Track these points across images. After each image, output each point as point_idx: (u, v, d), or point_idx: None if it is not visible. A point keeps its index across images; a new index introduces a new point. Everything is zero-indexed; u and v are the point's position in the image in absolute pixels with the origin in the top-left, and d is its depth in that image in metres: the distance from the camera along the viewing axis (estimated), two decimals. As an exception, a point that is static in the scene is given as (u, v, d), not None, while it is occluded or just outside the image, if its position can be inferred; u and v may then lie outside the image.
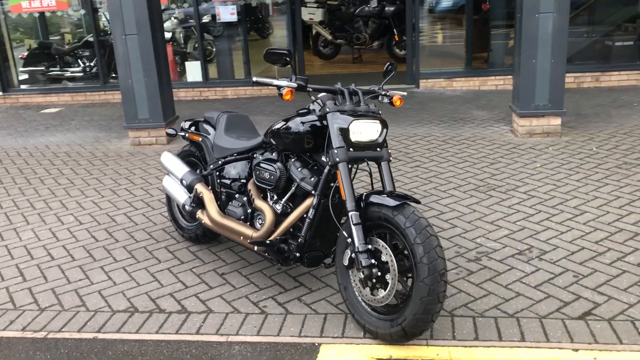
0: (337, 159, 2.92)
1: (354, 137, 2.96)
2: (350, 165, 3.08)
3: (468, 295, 3.30)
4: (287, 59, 2.99)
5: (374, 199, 2.86)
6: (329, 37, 12.04)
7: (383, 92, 3.33)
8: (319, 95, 3.17)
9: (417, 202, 2.86)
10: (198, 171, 4.01)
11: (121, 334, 3.12)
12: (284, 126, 3.21)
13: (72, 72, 10.07)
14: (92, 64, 9.96)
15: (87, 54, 9.98)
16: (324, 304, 3.30)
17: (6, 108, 9.52)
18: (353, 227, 2.85)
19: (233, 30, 9.44)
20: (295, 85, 3.03)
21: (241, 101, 8.86)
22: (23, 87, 10.05)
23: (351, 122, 2.93)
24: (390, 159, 3.11)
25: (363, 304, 3.00)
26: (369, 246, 2.83)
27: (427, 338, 2.92)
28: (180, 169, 3.89)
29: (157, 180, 5.50)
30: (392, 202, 2.78)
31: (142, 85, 6.44)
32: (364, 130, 2.99)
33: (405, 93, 3.53)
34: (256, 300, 3.38)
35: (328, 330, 3.06)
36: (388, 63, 3.40)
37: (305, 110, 3.18)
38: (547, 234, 3.96)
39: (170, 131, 4.06)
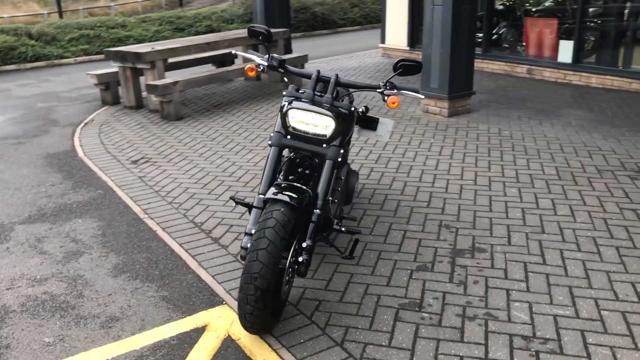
0: (270, 142, 2.99)
1: (294, 124, 2.94)
2: (291, 153, 3.08)
3: (386, 337, 2.84)
4: (260, 37, 3.13)
5: (272, 189, 2.85)
6: None
7: (379, 90, 3.03)
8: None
9: (302, 207, 2.73)
10: None
11: (168, 238, 4.04)
12: None
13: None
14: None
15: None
16: (283, 281, 3.39)
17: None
18: (252, 209, 2.94)
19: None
20: (265, 63, 3.15)
21: (593, 90, 7.70)
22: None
23: (289, 108, 2.93)
24: (339, 160, 2.91)
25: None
26: (253, 230, 2.88)
27: (289, 345, 2.82)
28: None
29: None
30: (270, 195, 2.75)
31: (437, 56, 6.64)
32: (308, 121, 2.92)
33: (422, 96, 3.06)
34: (260, 256, 3.72)
35: (251, 299, 3.24)
36: (399, 58, 3.00)
37: None
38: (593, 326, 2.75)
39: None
